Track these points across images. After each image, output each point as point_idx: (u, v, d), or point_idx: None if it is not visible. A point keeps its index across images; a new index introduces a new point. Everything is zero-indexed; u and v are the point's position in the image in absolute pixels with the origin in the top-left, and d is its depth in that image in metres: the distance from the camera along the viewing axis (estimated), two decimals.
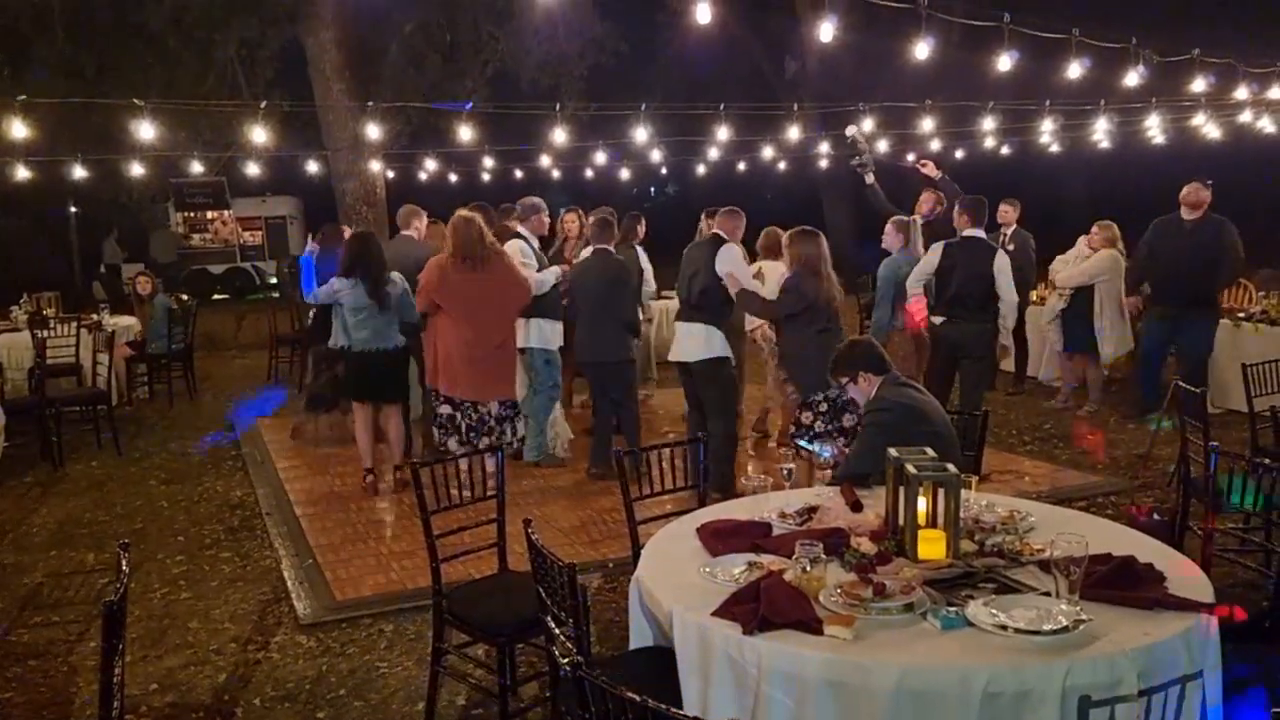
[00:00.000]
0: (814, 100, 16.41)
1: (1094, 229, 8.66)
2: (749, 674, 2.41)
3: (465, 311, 6.00)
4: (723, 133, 11.01)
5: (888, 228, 7.34)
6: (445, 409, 6.18)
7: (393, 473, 6.77)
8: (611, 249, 6.72)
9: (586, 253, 6.78)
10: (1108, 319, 8.33)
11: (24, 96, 8.20)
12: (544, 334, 6.81)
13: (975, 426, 4.40)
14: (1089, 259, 8.52)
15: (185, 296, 11.54)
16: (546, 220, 7.25)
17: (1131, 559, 2.75)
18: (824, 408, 5.46)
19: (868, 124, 10.56)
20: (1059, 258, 9.14)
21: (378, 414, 6.57)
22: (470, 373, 6.06)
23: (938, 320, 6.74)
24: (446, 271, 6.01)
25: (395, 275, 6.44)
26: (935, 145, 13.23)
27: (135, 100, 8.50)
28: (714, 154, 13.96)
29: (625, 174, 16.58)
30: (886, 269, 7.13)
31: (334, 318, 6.40)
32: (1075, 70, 7.08)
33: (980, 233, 6.76)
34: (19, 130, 7.92)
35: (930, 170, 8.05)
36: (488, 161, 14.37)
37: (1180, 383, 5.17)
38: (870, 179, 8.14)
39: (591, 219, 6.91)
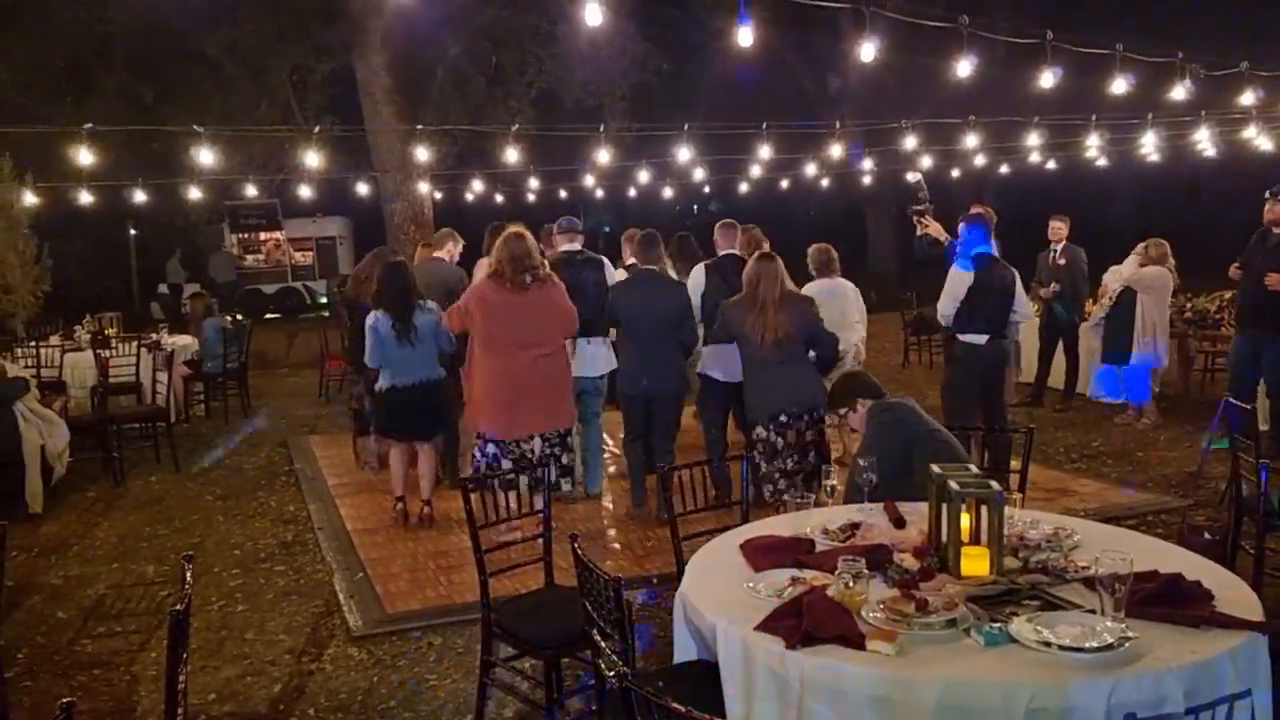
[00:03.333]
0: (857, 117, 16.39)
1: (1145, 245, 8.56)
2: (792, 688, 2.43)
3: (511, 340, 5.57)
4: (765, 150, 11.06)
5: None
6: (491, 449, 5.71)
7: (421, 507, 6.31)
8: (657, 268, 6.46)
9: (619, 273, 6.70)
10: (1148, 336, 8.28)
11: (89, 125, 8.49)
12: (599, 357, 6.49)
13: (1020, 443, 4.40)
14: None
15: (239, 316, 11.83)
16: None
17: (1179, 576, 2.74)
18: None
19: (911, 140, 10.55)
20: (1112, 268, 8.99)
21: (413, 446, 6.29)
22: (516, 409, 5.59)
23: (981, 340, 6.47)
24: (489, 295, 5.59)
25: (430, 304, 6.14)
26: (979, 161, 13.17)
27: (194, 126, 8.77)
28: (756, 171, 14.02)
29: (668, 192, 16.71)
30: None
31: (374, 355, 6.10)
32: (1120, 85, 7.05)
33: (991, 248, 6.58)
34: (84, 157, 8.22)
35: (934, 231, 7.91)
36: (533, 182, 14.59)
37: (1231, 400, 5.10)
38: (921, 229, 8.03)
39: (640, 236, 6.70)
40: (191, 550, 5.95)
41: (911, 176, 8.85)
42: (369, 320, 6.05)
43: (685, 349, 6.29)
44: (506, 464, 5.59)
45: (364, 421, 7.48)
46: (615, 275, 6.76)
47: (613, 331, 6.55)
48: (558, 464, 5.77)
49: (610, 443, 7.67)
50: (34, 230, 12.45)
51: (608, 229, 28.92)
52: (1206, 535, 4.60)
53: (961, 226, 6.77)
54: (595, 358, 6.48)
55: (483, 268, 7.08)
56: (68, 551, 6.22)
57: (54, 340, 10.42)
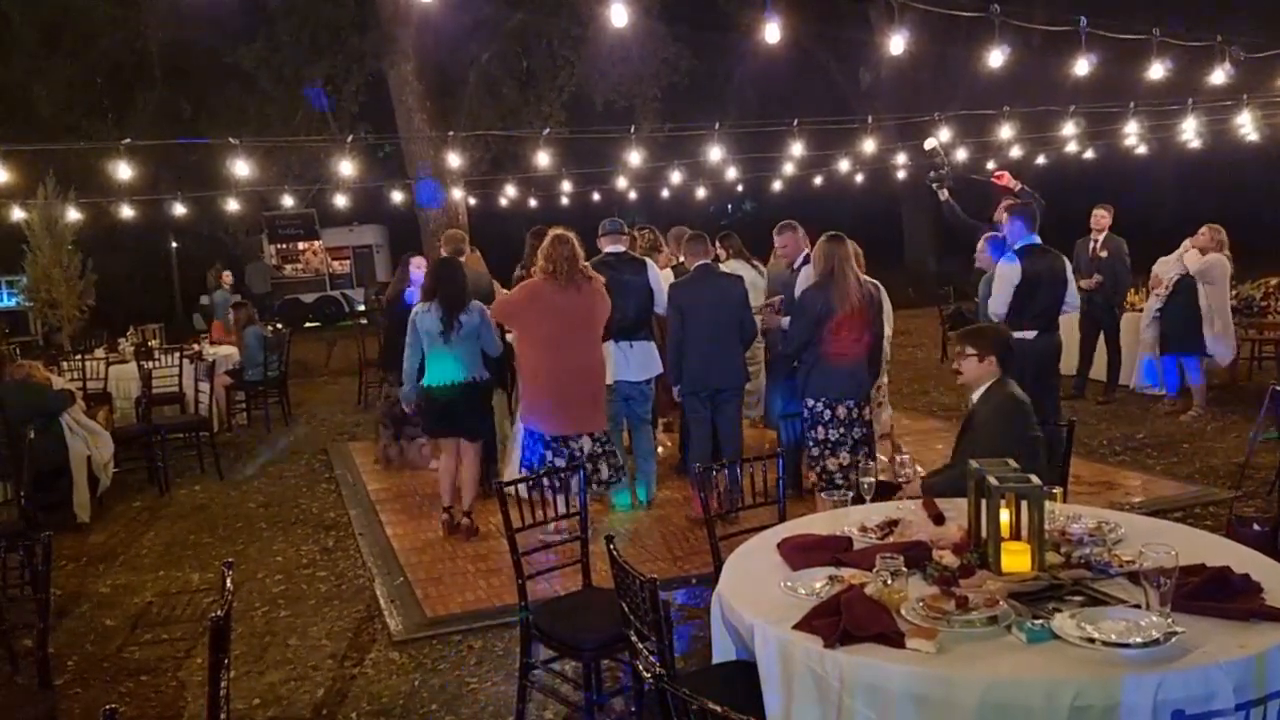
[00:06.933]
0: (890, 110, 16.26)
1: (1202, 230, 8.37)
2: (831, 687, 2.41)
3: (559, 339, 5.67)
4: (797, 147, 10.99)
5: (981, 244, 7.07)
6: (540, 449, 5.77)
7: (462, 517, 6.22)
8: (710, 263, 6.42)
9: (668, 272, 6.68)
10: (1219, 325, 8.10)
11: (128, 140, 8.65)
12: (650, 360, 6.42)
13: (1062, 438, 4.33)
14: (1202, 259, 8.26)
15: (280, 325, 11.96)
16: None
17: (1226, 569, 2.68)
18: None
19: (945, 133, 10.42)
20: (1161, 259, 8.80)
21: (459, 451, 6.16)
22: (567, 404, 5.71)
23: (1030, 335, 6.20)
24: (544, 291, 5.70)
25: (475, 304, 6.02)
26: (1015, 152, 12.99)
27: (230, 139, 8.90)
28: (790, 169, 13.94)
29: (701, 192, 16.67)
30: (986, 286, 6.72)
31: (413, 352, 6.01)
32: (1158, 71, 6.92)
33: (1037, 238, 6.38)
34: (124, 172, 8.37)
35: (1007, 181, 7.75)
36: (566, 185, 14.62)
37: (1278, 388, 4.99)
38: (945, 195, 7.90)
39: (687, 234, 6.64)
40: (235, 557, 6.08)
41: (929, 144, 8.63)
42: (414, 312, 5.95)
43: (745, 342, 6.30)
44: (560, 463, 5.60)
45: (393, 425, 7.56)
46: (657, 276, 6.66)
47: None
48: (610, 461, 5.88)
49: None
50: (78, 245, 12.71)
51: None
52: (1255, 526, 4.49)
53: (1005, 217, 6.63)
54: (641, 361, 6.37)
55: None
56: (115, 560, 6.33)
57: (99, 353, 10.63)
